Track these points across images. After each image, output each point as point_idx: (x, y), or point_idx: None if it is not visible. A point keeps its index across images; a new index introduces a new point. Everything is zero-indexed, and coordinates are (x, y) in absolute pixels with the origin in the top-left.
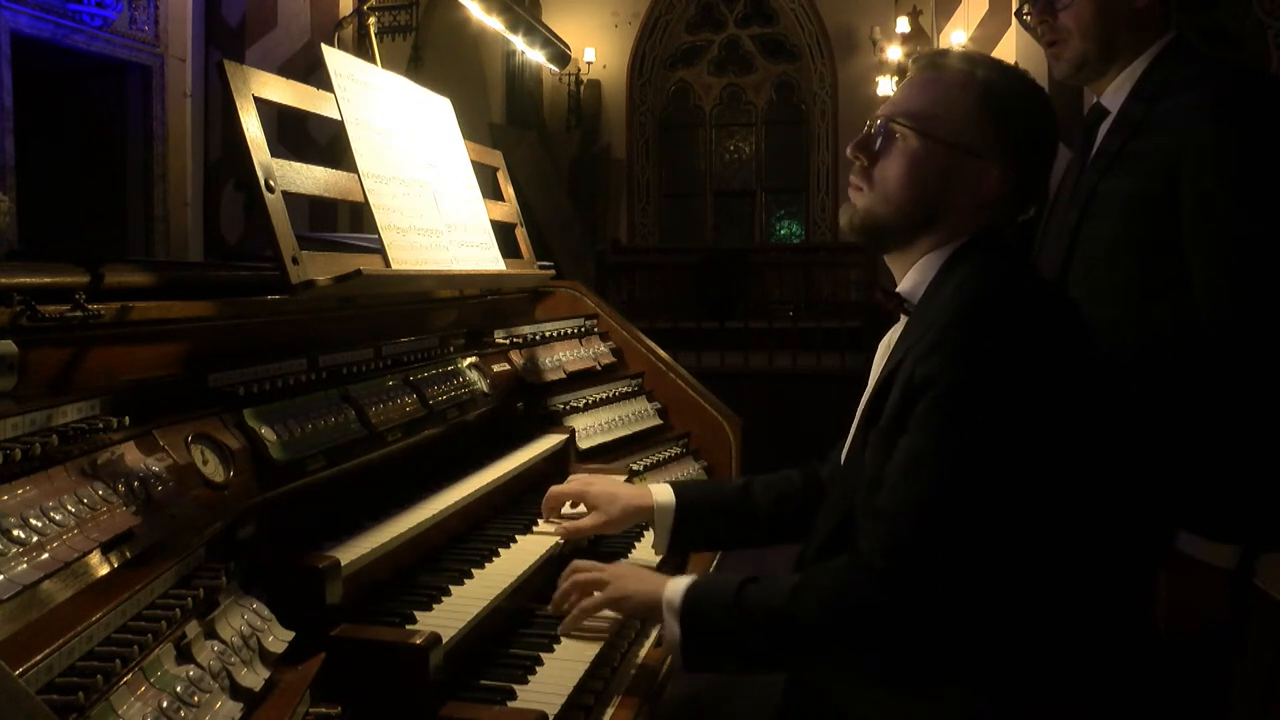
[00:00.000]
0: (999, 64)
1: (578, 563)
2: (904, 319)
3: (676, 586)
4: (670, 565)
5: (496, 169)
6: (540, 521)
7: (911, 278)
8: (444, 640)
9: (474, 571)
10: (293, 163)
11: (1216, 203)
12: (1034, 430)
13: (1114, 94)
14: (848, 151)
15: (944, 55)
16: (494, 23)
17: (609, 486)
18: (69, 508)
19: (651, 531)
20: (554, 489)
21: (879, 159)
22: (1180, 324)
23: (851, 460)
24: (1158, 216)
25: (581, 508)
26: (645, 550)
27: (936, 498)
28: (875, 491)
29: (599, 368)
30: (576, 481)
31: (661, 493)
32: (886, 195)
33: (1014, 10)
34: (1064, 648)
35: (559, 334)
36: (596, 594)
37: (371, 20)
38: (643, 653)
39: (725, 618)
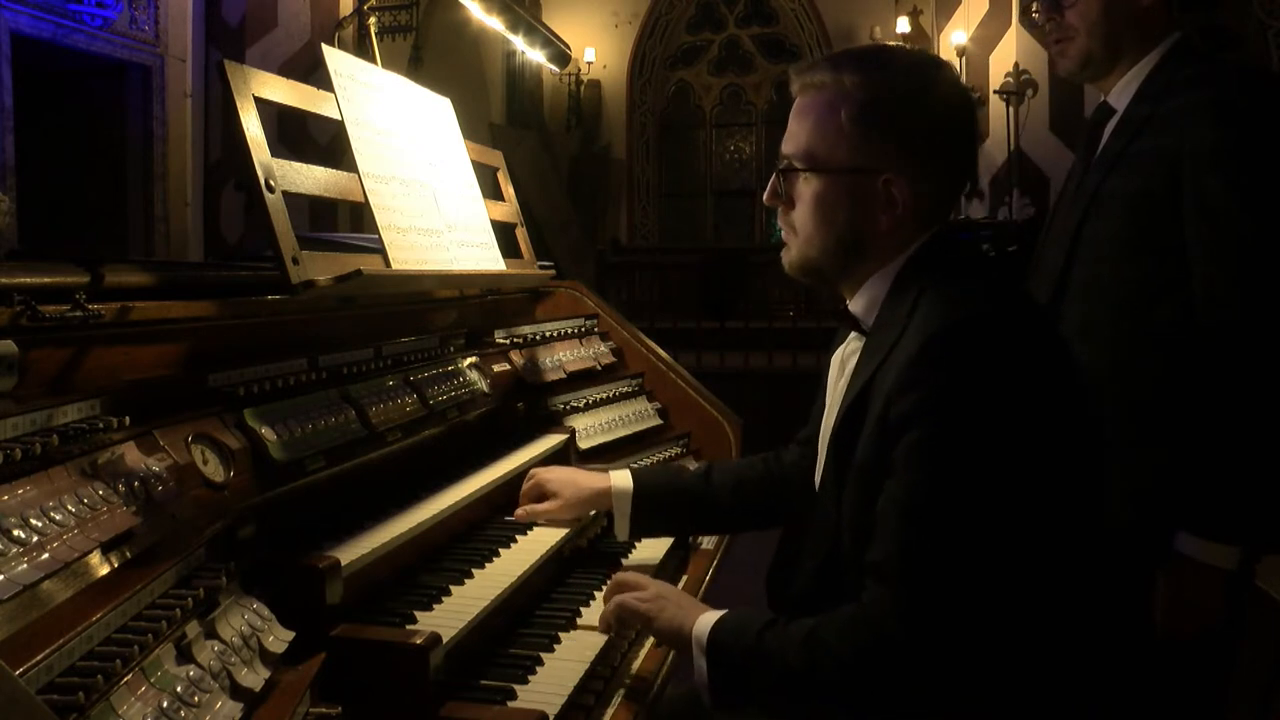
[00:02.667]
0: (864, 61)
1: (622, 576)
2: (856, 336)
3: (705, 622)
4: (670, 566)
5: (496, 169)
6: (540, 522)
7: (861, 298)
8: (444, 640)
9: (474, 571)
10: (293, 163)
11: (1219, 203)
12: (1017, 457)
13: (1120, 94)
14: (765, 200)
15: (809, 69)
16: (494, 23)
17: (566, 473)
18: (69, 508)
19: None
20: (522, 491)
21: (794, 202)
22: (1182, 325)
23: (827, 493)
24: (1160, 217)
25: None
26: (649, 545)
27: (936, 548)
28: (864, 539)
29: (599, 368)
30: (536, 476)
31: (620, 478)
32: (809, 239)
33: (1021, 7)
34: (1066, 661)
35: (559, 334)
36: (642, 605)
37: (371, 20)
38: (643, 654)
39: (747, 664)
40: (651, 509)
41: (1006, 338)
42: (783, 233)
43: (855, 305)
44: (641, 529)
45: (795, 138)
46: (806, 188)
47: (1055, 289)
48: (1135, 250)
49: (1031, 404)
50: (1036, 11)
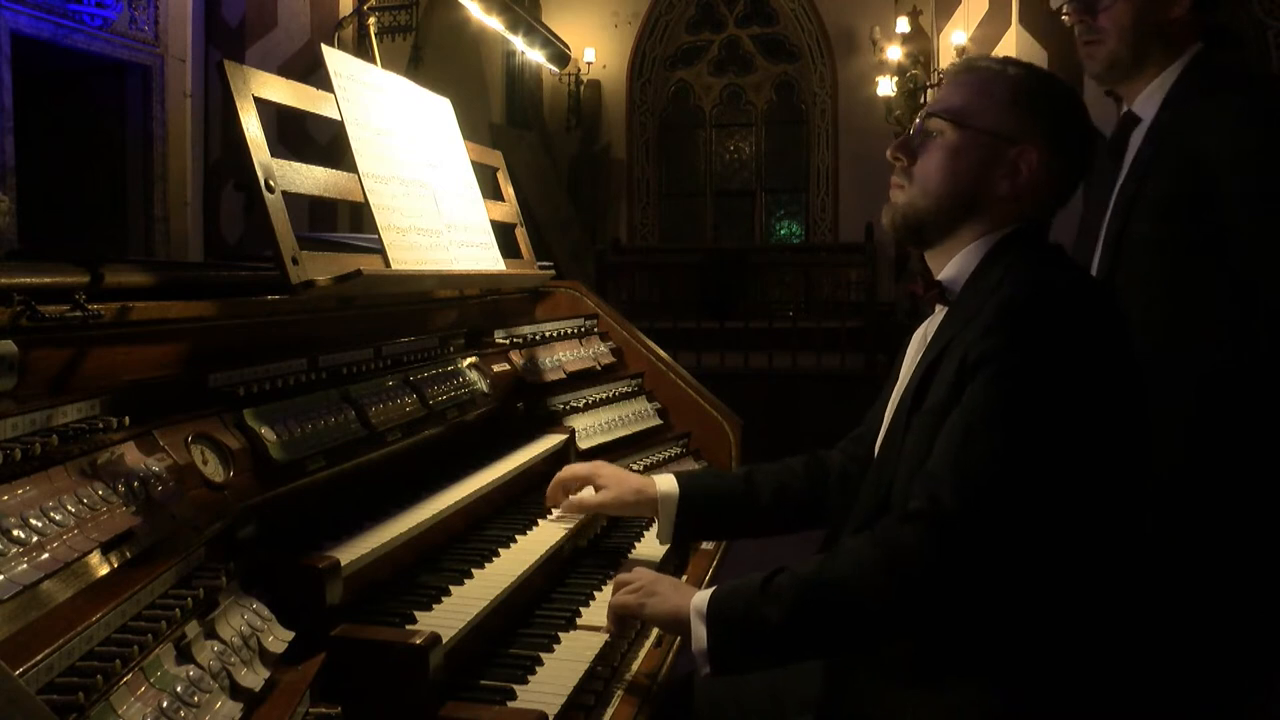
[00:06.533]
0: (1029, 64)
1: (620, 576)
2: (939, 310)
3: (704, 593)
4: (670, 566)
5: (496, 169)
6: (541, 521)
7: (953, 267)
8: (444, 640)
9: (474, 571)
10: (293, 163)
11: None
12: (1083, 410)
13: (1145, 101)
14: (888, 154)
15: (981, 57)
16: (494, 23)
17: (616, 470)
18: (69, 508)
19: (653, 530)
20: (560, 476)
21: (918, 157)
22: (1223, 321)
23: (889, 446)
24: (1195, 217)
25: (590, 489)
26: (649, 545)
27: (989, 458)
28: (920, 467)
29: (599, 368)
30: (583, 466)
31: (665, 482)
32: (926, 188)
33: (1054, 6)
34: (1077, 637)
35: (559, 334)
36: (629, 597)
37: (371, 20)
38: (642, 653)
39: (752, 605)
40: (696, 514)
41: (1086, 305)
42: (892, 188)
43: (945, 274)
44: (686, 533)
45: (946, 98)
46: (941, 141)
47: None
48: (1179, 251)
49: (1101, 369)
50: (1068, 12)
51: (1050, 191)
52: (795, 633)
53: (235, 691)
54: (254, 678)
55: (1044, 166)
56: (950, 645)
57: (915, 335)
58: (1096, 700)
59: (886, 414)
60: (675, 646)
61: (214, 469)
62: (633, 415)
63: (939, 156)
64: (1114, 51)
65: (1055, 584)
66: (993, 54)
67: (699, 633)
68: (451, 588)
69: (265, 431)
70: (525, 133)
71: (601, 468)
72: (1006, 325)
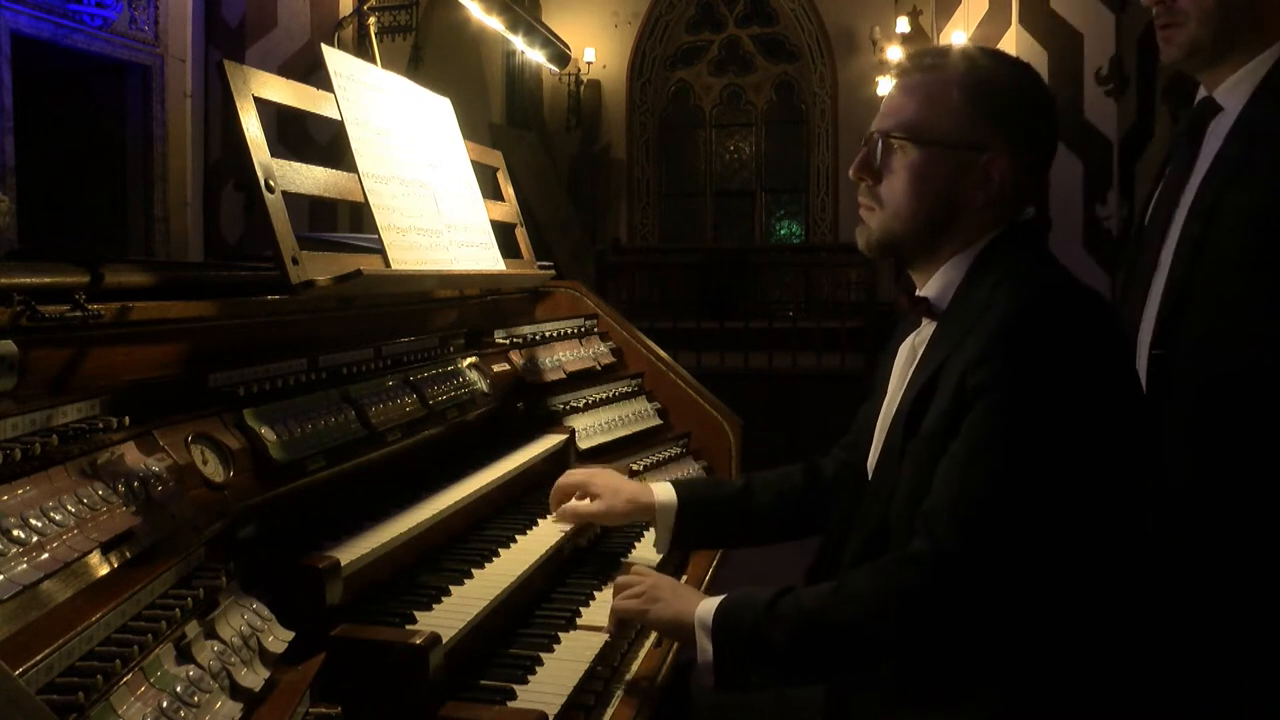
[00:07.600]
0: (978, 51)
1: (622, 578)
2: (926, 323)
3: (709, 604)
4: (670, 566)
5: (496, 169)
6: (541, 521)
7: (937, 281)
8: (444, 640)
9: (474, 571)
10: (293, 163)
11: None
12: (1083, 437)
13: (1231, 91)
14: (850, 174)
15: (922, 56)
16: (494, 23)
17: (612, 479)
18: (69, 508)
19: (652, 530)
20: (559, 483)
21: (883, 176)
22: None
23: (885, 469)
24: None
25: (587, 500)
26: (646, 549)
27: (991, 494)
28: (918, 500)
29: (599, 368)
30: (580, 473)
31: (663, 491)
32: (898, 211)
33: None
34: (1079, 653)
35: (559, 334)
36: (632, 602)
37: (371, 20)
38: (642, 653)
39: (757, 625)
40: (695, 523)
41: (1086, 320)
42: (862, 209)
43: (929, 289)
44: (684, 542)
45: (899, 112)
46: (903, 159)
47: (1177, 298)
48: (1267, 263)
49: (1102, 388)
50: None
51: (1027, 187)
52: (799, 661)
53: (235, 691)
54: (254, 678)
55: (1015, 167)
56: (953, 667)
57: (903, 347)
58: (1098, 715)
59: (878, 432)
60: (675, 647)
61: (214, 469)
62: (633, 415)
63: (905, 178)
64: (1194, 35)
65: (1057, 605)
66: (949, 45)
67: (704, 646)
68: (451, 588)
69: (265, 431)
70: (525, 133)
71: (596, 476)
72: (1002, 351)
